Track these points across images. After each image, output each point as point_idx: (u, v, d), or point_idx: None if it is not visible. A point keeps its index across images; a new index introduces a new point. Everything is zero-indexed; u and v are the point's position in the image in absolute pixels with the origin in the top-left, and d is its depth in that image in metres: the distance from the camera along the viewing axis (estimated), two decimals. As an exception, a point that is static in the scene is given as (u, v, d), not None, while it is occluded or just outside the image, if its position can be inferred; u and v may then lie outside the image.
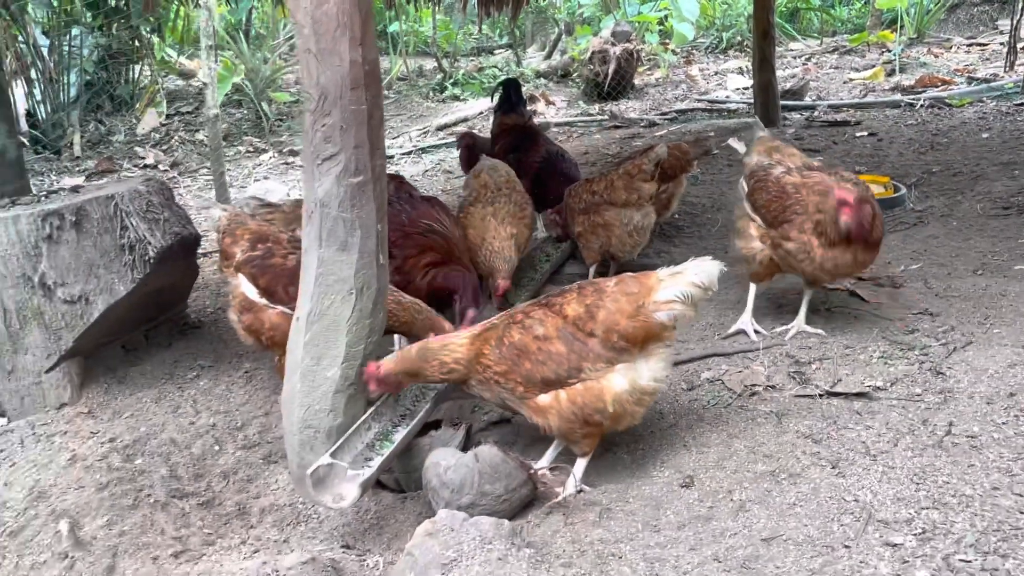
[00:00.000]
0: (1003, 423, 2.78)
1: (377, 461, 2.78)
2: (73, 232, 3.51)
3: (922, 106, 8.76)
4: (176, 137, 11.50)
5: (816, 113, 9.26)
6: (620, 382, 2.70)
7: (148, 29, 12.76)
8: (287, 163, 10.12)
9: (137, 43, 12.68)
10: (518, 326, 2.85)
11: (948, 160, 6.74)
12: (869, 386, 3.16)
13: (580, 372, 2.72)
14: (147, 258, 3.62)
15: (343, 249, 2.81)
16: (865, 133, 8.00)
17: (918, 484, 2.50)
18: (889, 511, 2.40)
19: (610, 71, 11.13)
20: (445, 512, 2.47)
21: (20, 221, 3.42)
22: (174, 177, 10.17)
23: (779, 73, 12.15)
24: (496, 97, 6.32)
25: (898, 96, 9.38)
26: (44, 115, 11.51)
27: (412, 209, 3.87)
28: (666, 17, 13.66)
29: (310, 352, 2.89)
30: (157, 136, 11.60)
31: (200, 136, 11.43)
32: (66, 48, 11.82)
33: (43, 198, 3.73)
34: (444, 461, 2.74)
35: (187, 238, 3.82)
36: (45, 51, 11.85)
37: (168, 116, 12.11)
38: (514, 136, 6.05)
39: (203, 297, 4.72)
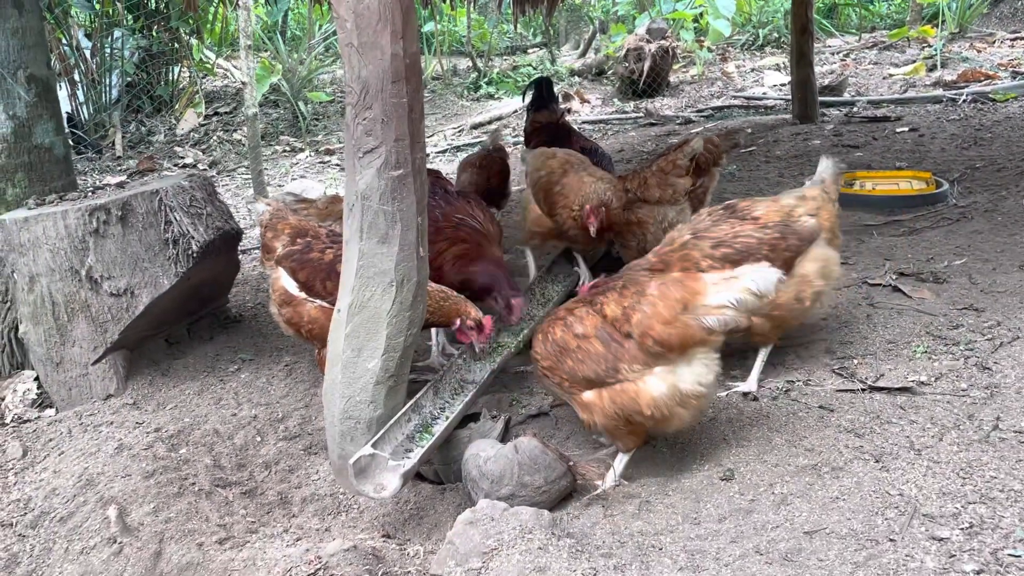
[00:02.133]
0: (1052, 419, 2.73)
1: (418, 452, 2.80)
2: (119, 227, 3.57)
3: (965, 101, 8.61)
4: (215, 137, 11.66)
5: (855, 109, 9.14)
6: (658, 386, 2.68)
7: (187, 31, 12.93)
8: (323, 162, 10.22)
9: (176, 45, 12.85)
10: (561, 323, 2.85)
11: (992, 155, 6.61)
12: (913, 381, 3.12)
13: (618, 372, 2.71)
14: (190, 252, 3.67)
15: (384, 241, 2.83)
16: (906, 129, 7.88)
17: (964, 479, 2.47)
18: (935, 505, 2.37)
19: (645, 68, 11.08)
20: (486, 502, 2.49)
21: (68, 216, 3.50)
22: (212, 176, 10.31)
23: (817, 69, 12.05)
24: (528, 95, 6.32)
25: (940, 91, 9.23)
26: (87, 116, 11.74)
27: (447, 204, 3.88)
28: (702, 14, 13.58)
29: (351, 344, 2.92)
30: (196, 136, 11.76)
31: (238, 136, 11.58)
32: (108, 50, 12.03)
33: (89, 194, 3.81)
34: (484, 452, 2.75)
35: (229, 232, 3.88)
36: (87, 53, 12.09)
37: (207, 116, 12.27)
38: (547, 133, 6.04)
39: (244, 292, 4.78)
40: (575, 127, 10.09)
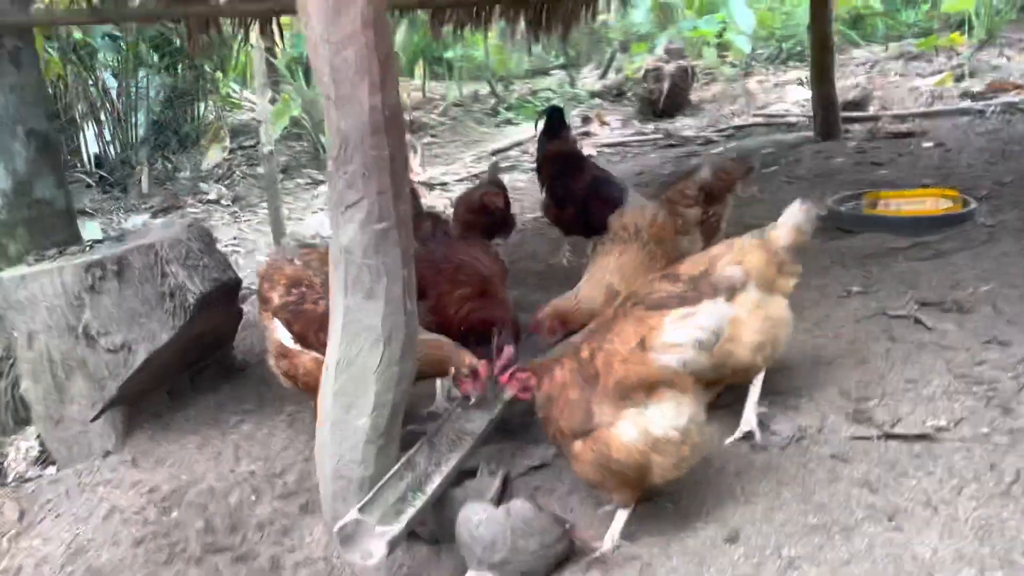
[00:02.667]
0: (1079, 469, 2.56)
1: (407, 516, 2.70)
2: (115, 282, 3.54)
3: (993, 112, 8.38)
4: (238, 172, 11.75)
5: (880, 124, 8.93)
6: (628, 430, 2.56)
7: (212, 67, 13.10)
8: (343, 194, 10.24)
9: (202, 81, 13.01)
10: (548, 371, 2.76)
11: (1021, 169, 6.39)
12: (931, 426, 2.96)
13: (592, 418, 2.60)
14: (187, 305, 3.63)
15: (369, 296, 2.75)
16: (932, 144, 7.67)
17: (983, 539, 2.31)
18: (950, 570, 2.21)
19: (664, 89, 10.98)
20: (472, 574, 2.38)
21: (64, 273, 3.48)
22: (235, 212, 10.38)
23: (842, 83, 11.83)
24: (540, 124, 6.25)
25: (967, 103, 9.00)
26: (114, 155, 11.91)
27: (447, 247, 3.82)
28: (723, 30, 13.44)
29: (339, 401, 2.84)
30: (220, 171, 11.86)
31: (261, 170, 11.67)
32: (134, 89, 12.20)
33: (88, 248, 3.79)
34: (475, 516, 2.65)
35: (227, 283, 3.83)
36: (114, 93, 12.28)
37: (231, 151, 12.38)
38: (559, 163, 5.96)
39: (250, 337, 4.73)
40: (590, 152, 10.03)
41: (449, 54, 15.48)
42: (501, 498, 3.07)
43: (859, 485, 2.67)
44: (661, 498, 2.91)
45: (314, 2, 2.54)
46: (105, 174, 11.08)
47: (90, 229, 8.26)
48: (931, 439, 2.88)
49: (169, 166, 12.26)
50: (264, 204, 10.24)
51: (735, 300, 3.03)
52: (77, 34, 11.27)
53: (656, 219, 3.96)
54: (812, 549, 2.43)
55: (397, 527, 2.60)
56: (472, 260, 3.78)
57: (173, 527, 3.01)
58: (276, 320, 3.44)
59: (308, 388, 3.34)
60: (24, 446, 3.75)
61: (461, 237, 3.95)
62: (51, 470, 3.66)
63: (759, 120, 10.19)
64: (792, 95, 11.34)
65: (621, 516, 2.72)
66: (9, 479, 3.60)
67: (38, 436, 3.73)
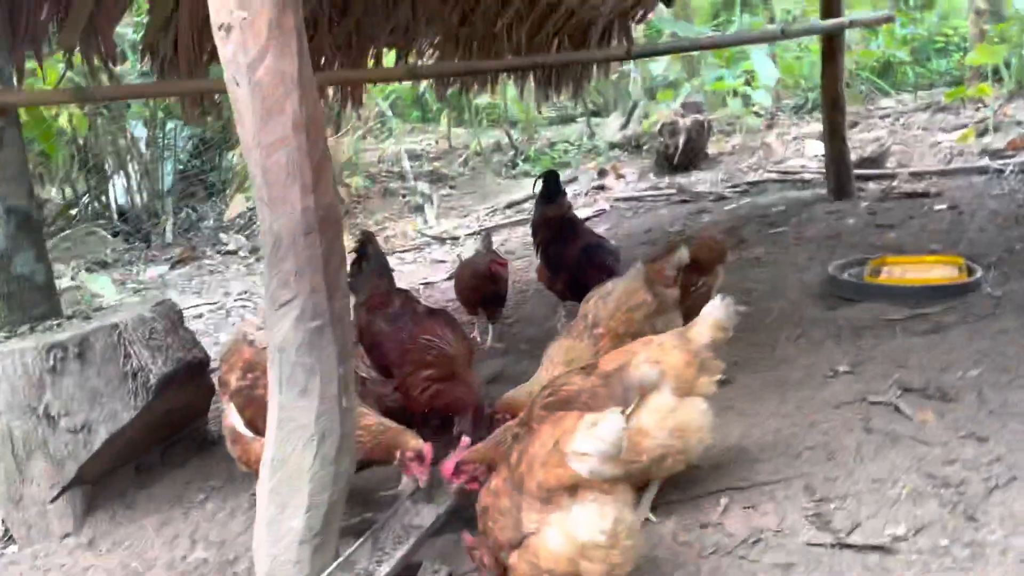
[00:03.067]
0: (1035, 593, 2.42)
1: (333, 623, 2.64)
2: (77, 363, 3.57)
3: (1011, 172, 8.19)
4: (258, 222, 11.89)
5: (896, 183, 8.78)
6: (555, 537, 2.47)
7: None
8: (357, 247, 10.32)
9: (228, 130, 13.25)
10: (486, 483, 2.70)
11: (1032, 236, 6.22)
12: (889, 535, 2.83)
13: (521, 526, 2.52)
14: (149, 385, 3.65)
15: (303, 395, 2.73)
16: (944, 206, 7.51)
17: (919, 675, 2.18)
18: None
19: (680, 143, 10.93)
20: None
21: (26, 354, 3.51)
22: (251, 263, 10.49)
23: (863, 136, 11.74)
24: (537, 187, 6.24)
25: (986, 161, 8.81)
26: (140, 205, 12.16)
27: (415, 326, 3.79)
28: (751, 79, 13.37)
29: (274, 501, 2.80)
30: (241, 221, 12.03)
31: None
32: (162, 140, 12.49)
33: (56, 326, 3.83)
34: (399, 626, 2.58)
35: (191, 363, 3.85)
36: (142, 144, 12.59)
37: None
38: (553, 228, 5.95)
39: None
40: (603, 207, 9.99)
41: (479, 101, 15.65)
42: (446, 598, 3.00)
43: (802, 603, 2.56)
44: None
45: (245, 105, 2.55)
46: (128, 225, 11.29)
47: (102, 283, 8.41)
48: (886, 551, 2.75)
49: (194, 216, 12.49)
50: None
51: (646, 403, 2.95)
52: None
53: (618, 311, 3.88)
54: (743, 676, 2.31)
55: (315, 640, 2.53)
56: (439, 340, 3.74)
57: (108, 623, 2.98)
58: (231, 404, 3.43)
59: None
60: (-12, 524, 3.76)
61: (429, 314, 3.91)
62: (12, 549, 3.65)
63: (774, 176, 10.08)
64: (811, 149, 11.21)
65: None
66: (-31, 558, 3.60)
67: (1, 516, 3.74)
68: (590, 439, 2.42)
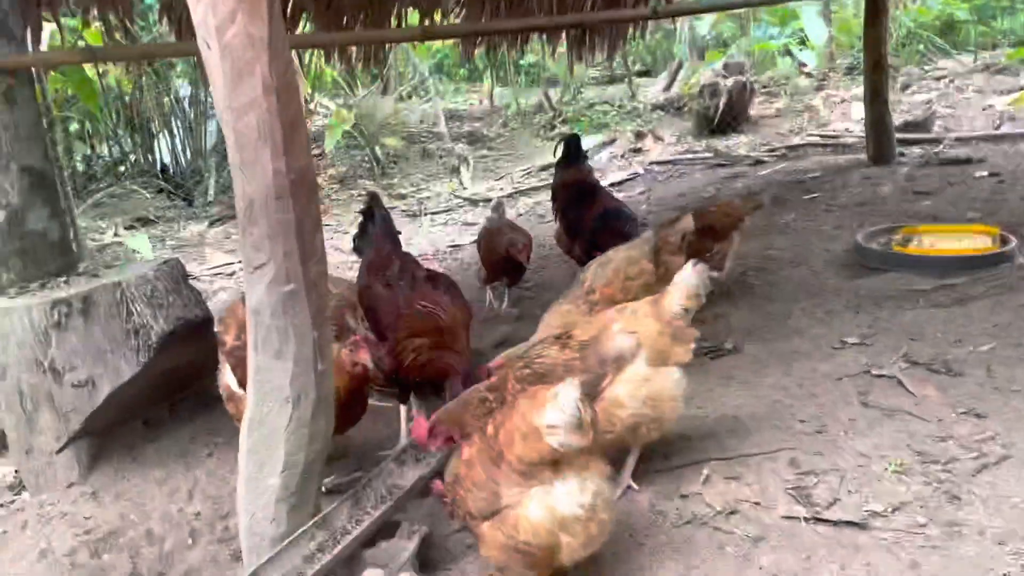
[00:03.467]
0: (1004, 574, 2.36)
1: (303, 578, 2.69)
2: (81, 319, 3.67)
3: (1062, 138, 7.84)
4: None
5: (940, 148, 8.48)
6: (535, 510, 2.47)
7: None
8: (391, 207, 10.33)
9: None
10: (458, 451, 2.71)
11: (1075, 206, 5.96)
12: (867, 511, 2.78)
13: (499, 498, 2.53)
14: (150, 342, 3.73)
15: (277, 357, 2.76)
16: (986, 173, 7.23)
17: (870, 653, 2.15)
18: None
19: (720, 105, 10.69)
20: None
21: (32, 311, 3.61)
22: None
23: (914, 98, 11.33)
24: (558, 152, 6.17)
25: (1035, 126, 8.45)
26: (184, 163, 12.37)
27: (411, 290, 3.79)
28: (804, 40, 12.94)
29: (252, 459, 2.86)
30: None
31: (320, 180, 11.92)
32: (206, 98, 12.61)
33: (63, 283, 3.94)
34: (364, 585, 2.63)
35: (192, 321, 3.92)
36: (186, 103, 12.76)
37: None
38: (572, 193, 5.89)
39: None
40: (637, 171, 9.85)
41: (525, 61, 15.45)
42: (423, 562, 3.04)
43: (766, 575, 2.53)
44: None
45: (217, 70, 2.56)
46: (171, 183, 11.49)
47: (140, 241, 8.60)
48: (861, 527, 2.71)
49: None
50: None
51: (621, 374, 2.92)
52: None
53: (616, 278, 3.84)
54: (695, 648, 2.31)
55: (283, 593, 2.59)
56: (434, 307, 3.74)
57: (99, 572, 3.09)
58: (226, 363, 3.50)
59: None
60: (2, 471, 3.91)
61: (428, 280, 3.90)
62: (24, 496, 3.81)
63: (815, 140, 9.80)
64: (858, 112, 10.85)
65: (523, 602, 2.65)
66: (-17, 504, 3.76)
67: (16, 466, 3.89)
68: (554, 411, 2.41)
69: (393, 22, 6.21)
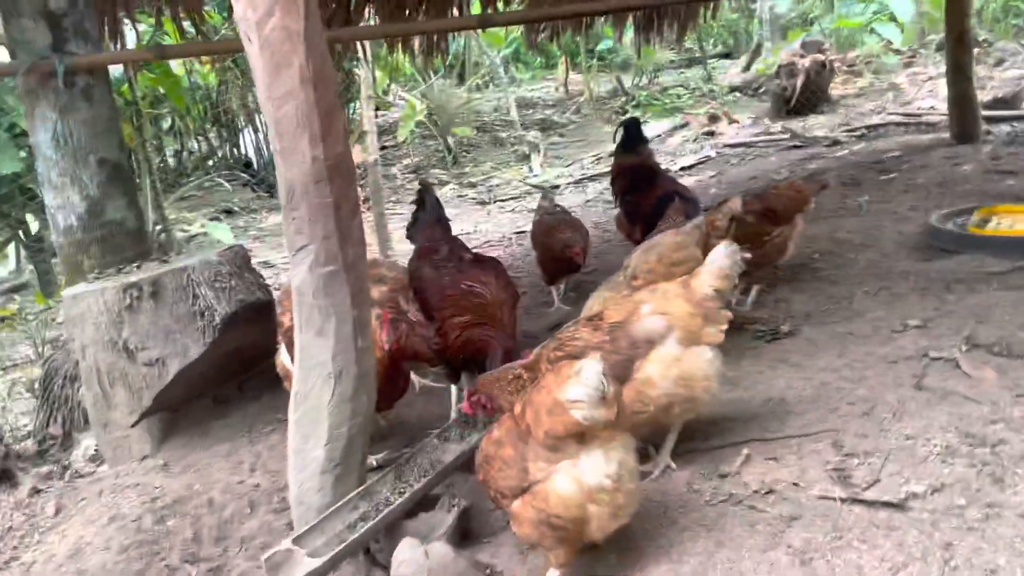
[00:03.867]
0: (1041, 557, 2.30)
1: (342, 546, 2.81)
2: (151, 301, 3.90)
3: None
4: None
5: (1028, 125, 8.11)
6: (564, 483, 2.53)
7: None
8: (461, 196, 10.50)
9: (352, 81, 13.64)
10: (487, 431, 2.78)
11: None
12: (906, 492, 2.73)
13: (528, 474, 2.58)
14: (214, 324, 3.94)
15: (320, 335, 2.89)
16: (1076, 150, 6.88)
17: (890, 632, 2.14)
18: (839, 665, 2.07)
19: (798, 85, 10.44)
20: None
21: (106, 293, 3.86)
22: (363, 211, 10.88)
23: (1011, 73, 10.81)
24: (617, 137, 6.16)
25: None
26: (266, 157, 12.82)
27: (458, 272, 3.88)
28: (893, 16, 12.48)
29: (299, 431, 3.00)
30: (359, 171, 12.45)
31: (394, 171, 12.18)
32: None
33: (135, 269, 4.18)
34: (400, 555, 2.73)
35: (254, 304, 4.11)
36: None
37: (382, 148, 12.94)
38: (631, 177, 5.87)
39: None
40: (709, 154, 9.72)
41: (602, 46, 15.37)
42: (464, 533, 3.13)
43: (794, 554, 2.52)
44: (608, 548, 2.87)
45: (257, 62, 2.69)
46: (247, 176, 11.91)
47: (222, 230, 8.98)
48: (897, 507, 2.66)
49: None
50: (390, 204, 10.66)
51: (651, 355, 2.92)
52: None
53: (659, 263, 3.83)
54: (717, 621, 2.33)
55: (321, 560, 2.71)
56: (479, 286, 3.82)
57: (163, 536, 3.29)
58: (283, 343, 3.66)
59: None
60: (84, 444, 4.19)
61: (475, 262, 3.99)
62: (104, 468, 4.07)
63: (897, 119, 9.48)
64: (944, 90, 10.44)
65: (554, 573, 2.71)
66: (67, 475, 4.04)
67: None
68: (578, 386, 2.46)
69: (455, 12, 6.30)
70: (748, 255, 3.73)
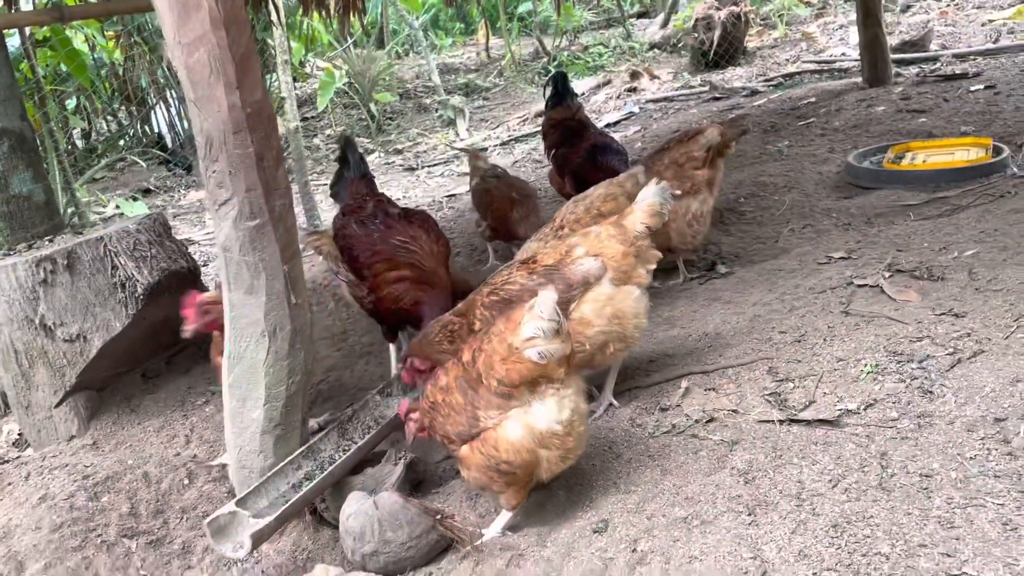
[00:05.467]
0: (971, 457, 2.40)
1: (285, 507, 2.75)
2: (67, 275, 3.73)
3: (1060, 46, 7.69)
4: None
5: (938, 65, 8.34)
6: (515, 429, 2.52)
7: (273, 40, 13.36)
8: (388, 163, 10.34)
9: (268, 53, 13.24)
10: (432, 378, 2.74)
11: (1069, 113, 5.87)
12: (840, 410, 2.80)
13: (478, 421, 2.57)
14: (136, 294, 3.79)
15: (250, 292, 2.80)
16: (981, 87, 7.11)
17: (833, 538, 2.19)
18: (787, 571, 2.11)
19: (715, 38, 10.54)
20: (320, 568, 2.43)
21: (18, 268, 3.68)
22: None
23: (917, 19, 11.10)
24: (547, 92, 6.13)
25: (1034, 37, 8.28)
26: (181, 133, 12.39)
27: (386, 228, 3.81)
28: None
29: (235, 394, 2.92)
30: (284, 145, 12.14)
31: (317, 141, 11.91)
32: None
33: (48, 242, 3.99)
34: (348, 508, 2.70)
35: (178, 272, 3.97)
36: (180, 73, 12.72)
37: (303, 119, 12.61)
38: (561, 131, 5.86)
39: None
40: (633, 110, 9.77)
41: (522, 8, 15.23)
42: (413, 486, 3.11)
43: (737, 474, 2.57)
44: (556, 484, 2.88)
45: (164, 5, 2.57)
46: (164, 154, 11.51)
47: (138, 209, 8.66)
48: (833, 424, 2.73)
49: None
50: (315, 175, 10.44)
51: (587, 295, 2.94)
52: (141, 16, 11.73)
53: (586, 214, 3.81)
54: (667, 543, 2.36)
55: (266, 520, 2.66)
56: (410, 242, 3.76)
57: (98, 512, 3.18)
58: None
59: None
60: (6, 429, 4.02)
61: (403, 217, 3.91)
62: (28, 452, 3.90)
63: (811, 67, 9.67)
64: (855, 37, 10.67)
65: (505, 515, 2.71)
66: (-10, 461, 3.86)
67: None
68: (532, 321, 2.44)
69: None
70: (678, 192, 3.76)
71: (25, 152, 4.27)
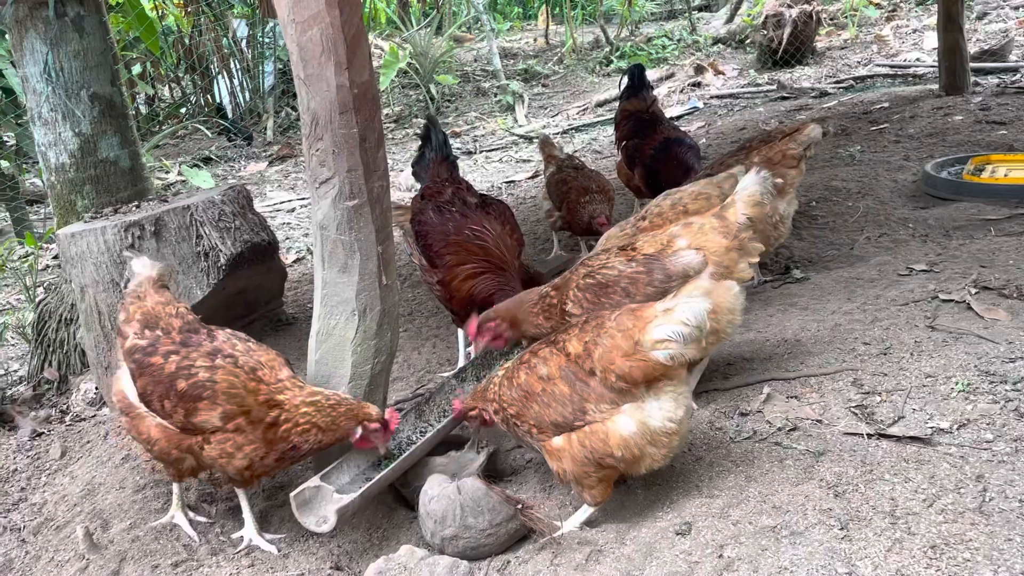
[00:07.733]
0: (1073, 488, 2.33)
1: (370, 484, 2.77)
2: (153, 241, 3.78)
3: None
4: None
5: (1018, 76, 8.14)
6: (627, 424, 2.51)
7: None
8: (447, 145, 10.35)
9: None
10: (525, 366, 2.72)
11: None
12: (932, 428, 2.75)
13: (585, 414, 2.56)
14: (219, 264, 3.84)
15: (344, 271, 2.83)
16: (1066, 100, 6.93)
17: (932, 559, 2.16)
18: (884, 590, 2.09)
19: (784, 36, 10.38)
20: (405, 548, 2.46)
21: (107, 232, 3.74)
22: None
23: (993, 27, 10.83)
24: (622, 83, 6.08)
25: (1123, 52, 8.03)
26: (242, 104, 12.51)
27: (462, 217, 3.79)
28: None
29: (320, 370, 2.95)
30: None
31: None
32: (263, 39, 12.68)
33: (134, 208, 4.05)
34: (430, 491, 2.71)
35: (258, 244, 4.01)
36: (244, 44, 12.83)
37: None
38: (635, 122, 5.81)
39: (299, 292, 4.94)
40: (697, 104, 9.66)
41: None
42: (494, 472, 3.12)
43: (826, 487, 2.54)
44: (632, 483, 2.87)
45: (280, -18, 2.58)
46: (228, 125, 11.62)
47: (202, 177, 8.77)
48: (925, 442, 2.68)
49: (294, 115, 12.74)
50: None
51: (684, 287, 2.90)
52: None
53: (672, 209, 3.76)
54: (755, 551, 2.34)
55: (348, 497, 2.68)
56: (484, 232, 3.74)
57: (178, 477, 3.22)
58: (124, 365, 2.94)
59: (158, 458, 2.84)
60: (84, 388, 4.10)
61: (480, 206, 3.90)
62: (104, 411, 3.98)
63: (884, 71, 9.47)
64: (929, 42, 10.44)
65: (587, 510, 2.71)
66: (67, 418, 3.94)
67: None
68: (669, 325, 2.43)
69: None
70: (779, 180, 3.66)
71: (114, 117, 4.34)
